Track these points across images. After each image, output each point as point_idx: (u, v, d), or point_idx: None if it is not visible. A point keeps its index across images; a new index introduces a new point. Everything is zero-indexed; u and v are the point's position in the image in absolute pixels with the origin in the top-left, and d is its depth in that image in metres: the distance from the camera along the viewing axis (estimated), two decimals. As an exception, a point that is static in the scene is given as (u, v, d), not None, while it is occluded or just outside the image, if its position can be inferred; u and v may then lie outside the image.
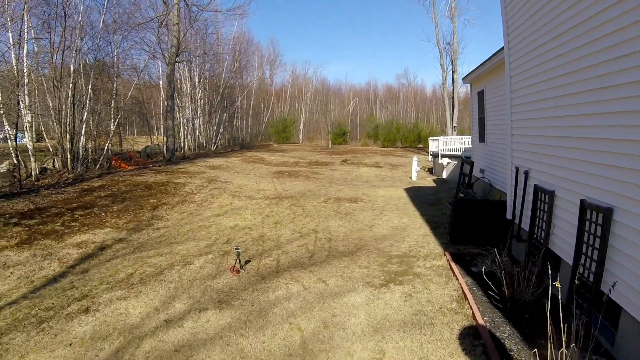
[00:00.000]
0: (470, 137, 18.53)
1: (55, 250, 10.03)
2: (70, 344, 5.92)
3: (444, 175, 23.45)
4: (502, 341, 5.46)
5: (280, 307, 6.89)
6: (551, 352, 4.42)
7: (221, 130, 46.38)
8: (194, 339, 5.98)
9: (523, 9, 7.59)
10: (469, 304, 6.59)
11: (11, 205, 13.64)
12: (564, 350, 4.26)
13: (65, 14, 20.71)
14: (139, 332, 6.23)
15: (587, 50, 5.32)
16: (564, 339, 4.28)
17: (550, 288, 5.11)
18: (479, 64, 13.63)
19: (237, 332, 6.10)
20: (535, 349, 4.76)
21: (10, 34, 18.85)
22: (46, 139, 23.83)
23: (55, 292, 7.75)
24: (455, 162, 22.53)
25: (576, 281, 5.14)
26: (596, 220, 5.18)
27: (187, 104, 39.49)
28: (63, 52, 20.87)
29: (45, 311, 6.94)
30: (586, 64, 5.38)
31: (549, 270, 5.23)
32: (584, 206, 5.47)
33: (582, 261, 5.51)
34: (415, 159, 23.59)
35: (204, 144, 41.96)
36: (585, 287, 5.39)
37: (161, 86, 38.45)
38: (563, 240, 6.33)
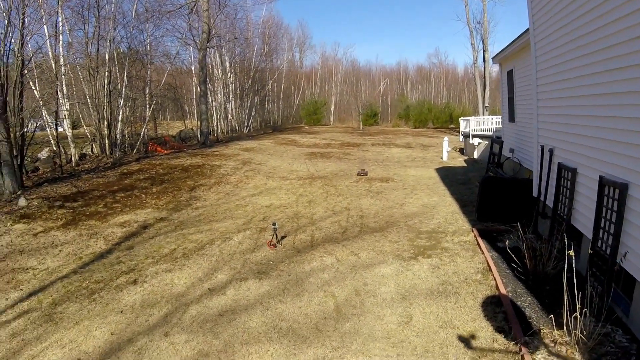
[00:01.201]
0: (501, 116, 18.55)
1: (99, 229, 10.73)
2: (122, 311, 6.56)
3: (475, 156, 23.48)
4: (523, 309, 5.81)
5: (315, 277, 7.41)
6: (566, 318, 4.78)
7: (253, 113, 46.98)
8: (236, 305, 6.55)
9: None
10: (493, 275, 6.95)
11: (54, 189, 14.49)
12: (578, 315, 4.62)
13: (98, 5, 21.53)
14: (185, 299, 6.83)
15: (608, 31, 5.49)
16: (578, 306, 4.64)
17: (567, 260, 5.32)
18: (508, 43, 13.70)
19: (276, 299, 6.65)
20: (552, 315, 5.13)
21: (45, 28, 19.72)
22: (84, 125, 24.82)
23: (104, 266, 8.42)
24: (487, 143, 22.49)
25: (589, 250, 5.44)
26: (613, 195, 5.43)
27: (219, 89, 40.18)
28: (97, 42, 21.77)
29: (95, 283, 7.60)
30: (606, 44, 5.57)
31: (565, 241, 5.53)
32: (602, 182, 5.72)
33: (600, 235, 5.78)
34: (446, 139, 23.65)
35: (237, 127, 42.64)
36: (602, 259, 5.67)
37: (193, 72, 39.15)
38: (584, 216, 6.61)
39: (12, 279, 7.91)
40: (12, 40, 14.59)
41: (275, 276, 7.54)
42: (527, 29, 10.31)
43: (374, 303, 6.36)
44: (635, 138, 4.90)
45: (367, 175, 16.74)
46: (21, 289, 7.47)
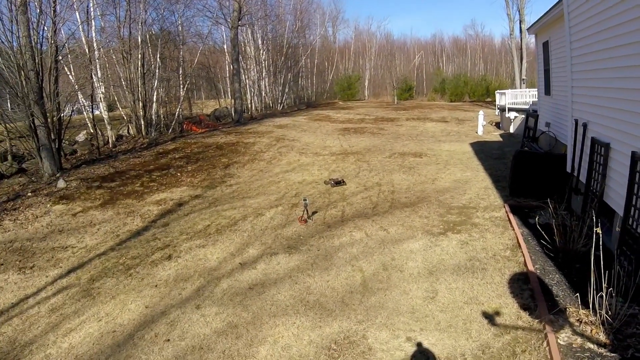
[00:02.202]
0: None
1: (136, 208, 11.09)
2: (156, 286, 6.84)
3: (511, 130, 23.01)
4: (550, 287, 5.78)
5: (344, 251, 7.54)
6: (592, 297, 4.74)
7: (286, 90, 46.95)
8: (266, 278, 6.76)
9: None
10: (522, 252, 6.92)
11: (92, 170, 14.97)
12: (603, 295, 4.58)
13: (128, -12, 21.71)
14: (217, 273, 7.08)
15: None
16: (604, 285, 4.60)
17: (595, 237, 5.27)
18: (543, 13, 13.28)
19: (305, 273, 6.82)
20: (578, 294, 5.10)
21: (77, 14, 20.14)
22: (119, 107, 25.39)
23: (140, 243, 8.75)
24: (523, 116, 21.99)
25: (617, 228, 5.34)
26: (645, 171, 5.30)
27: (252, 66, 40.26)
28: (129, 25, 22.02)
29: (131, 260, 7.92)
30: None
31: (594, 219, 5.42)
32: (635, 158, 5.57)
33: (632, 213, 5.66)
34: (481, 113, 23.20)
35: (271, 105, 42.77)
36: (633, 238, 5.56)
37: (226, 50, 39.33)
38: (616, 192, 6.46)
39: (52, 257, 8.30)
40: (45, 28, 15.00)
41: (305, 251, 7.70)
42: (562, -1, 9.99)
43: (401, 278, 6.45)
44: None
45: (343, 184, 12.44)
46: (60, 267, 7.84)
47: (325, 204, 10.46)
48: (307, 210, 9.30)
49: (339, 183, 12.27)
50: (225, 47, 39.52)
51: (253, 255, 7.65)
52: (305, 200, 9.26)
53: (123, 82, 22.38)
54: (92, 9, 21.01)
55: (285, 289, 6.36)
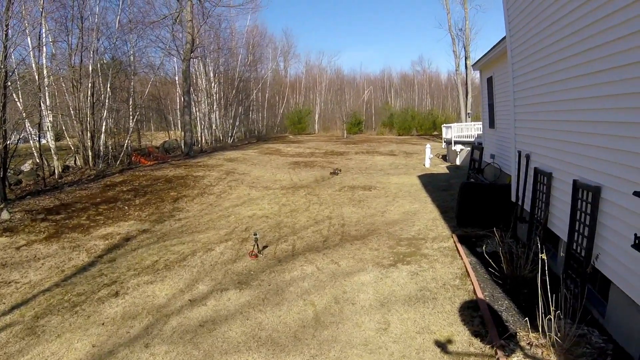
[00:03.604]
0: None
1: (82, 242, 10.65)
2: (103, 324, 6.52)
3: (458, 162, 23.70)
4: (500, 313, 5.87)
5: (296, 286, 7.43)
6: (541, 320, 4.85)
7: (237, 123, 46.92)
8: (216, 315, 6.55)
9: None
10: (471, 280, 7.02)
11: (37, 202, 14.34)
12: (552, 317, 4.69)
13: (81, 16, 21.50)
14: (166, 311, 6.81)
15: (578, 38, 5.64)
16: (552, 308, 4.71)
17: (541, 263, 5.42)
18: (487, 50, 13.90)
19: (256, 309, 6.66)
20: (527, 318, 5.20)
21: (29, 39, 19.64)
22: (67, 137, 24.65)
23: (86, 279, 8.36)
24: (469, 149, 22.73)
25: (561, 253, 5.53)
26: (586, 198, 5.52)
27: (203, 99, 40.13)
28: (81, 53, 21.64)
29: (77, 296, 7.54)
30: (578, 50, 5.70)
31: (539, 246, 5.61)
32: (576, 186, 5.83)
33: (575, 238, 5.88)
34: (428, 146, 23.83)
35: (221, 138, 42.55)
36: (577, 262, 5.76)
37: (177, 82, 39.11)
38: (559, 219, 6.71)
39: (-6, 293, 7.83)
40: (-5, 52, 14.49)
41: (256, 286, 7.54)
42: (505, 37, 10.48)
43: (353, 311, 6.40)
44: (609, 141, 4.99)
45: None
46: (3, 303, 7.40)
47: (275, 238, 10.35)
48: (257, 245, 9.16)
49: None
50: (176, 78, 39.32)
51: (203, 292, 7.43)
52: (255, 234, 9.13)
53: (72, 112, 21.80)
54: (44, 35, 20.54)
55: (237, 325, 6.18)
